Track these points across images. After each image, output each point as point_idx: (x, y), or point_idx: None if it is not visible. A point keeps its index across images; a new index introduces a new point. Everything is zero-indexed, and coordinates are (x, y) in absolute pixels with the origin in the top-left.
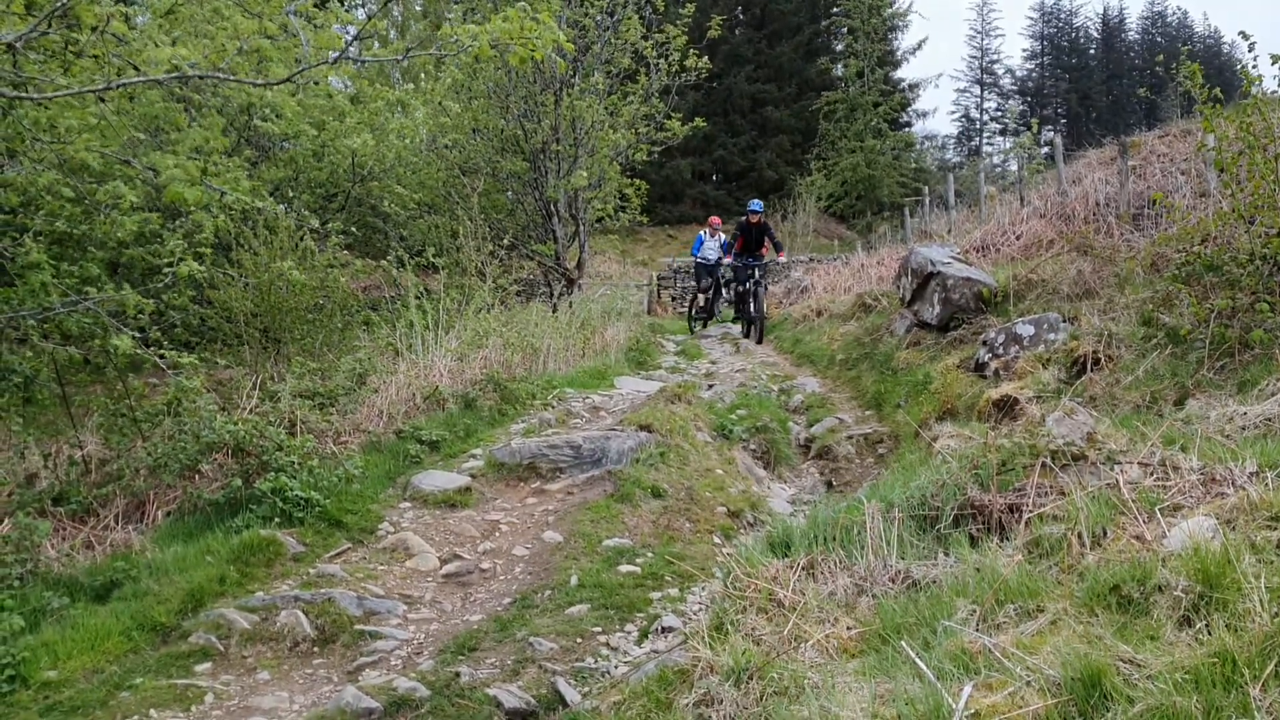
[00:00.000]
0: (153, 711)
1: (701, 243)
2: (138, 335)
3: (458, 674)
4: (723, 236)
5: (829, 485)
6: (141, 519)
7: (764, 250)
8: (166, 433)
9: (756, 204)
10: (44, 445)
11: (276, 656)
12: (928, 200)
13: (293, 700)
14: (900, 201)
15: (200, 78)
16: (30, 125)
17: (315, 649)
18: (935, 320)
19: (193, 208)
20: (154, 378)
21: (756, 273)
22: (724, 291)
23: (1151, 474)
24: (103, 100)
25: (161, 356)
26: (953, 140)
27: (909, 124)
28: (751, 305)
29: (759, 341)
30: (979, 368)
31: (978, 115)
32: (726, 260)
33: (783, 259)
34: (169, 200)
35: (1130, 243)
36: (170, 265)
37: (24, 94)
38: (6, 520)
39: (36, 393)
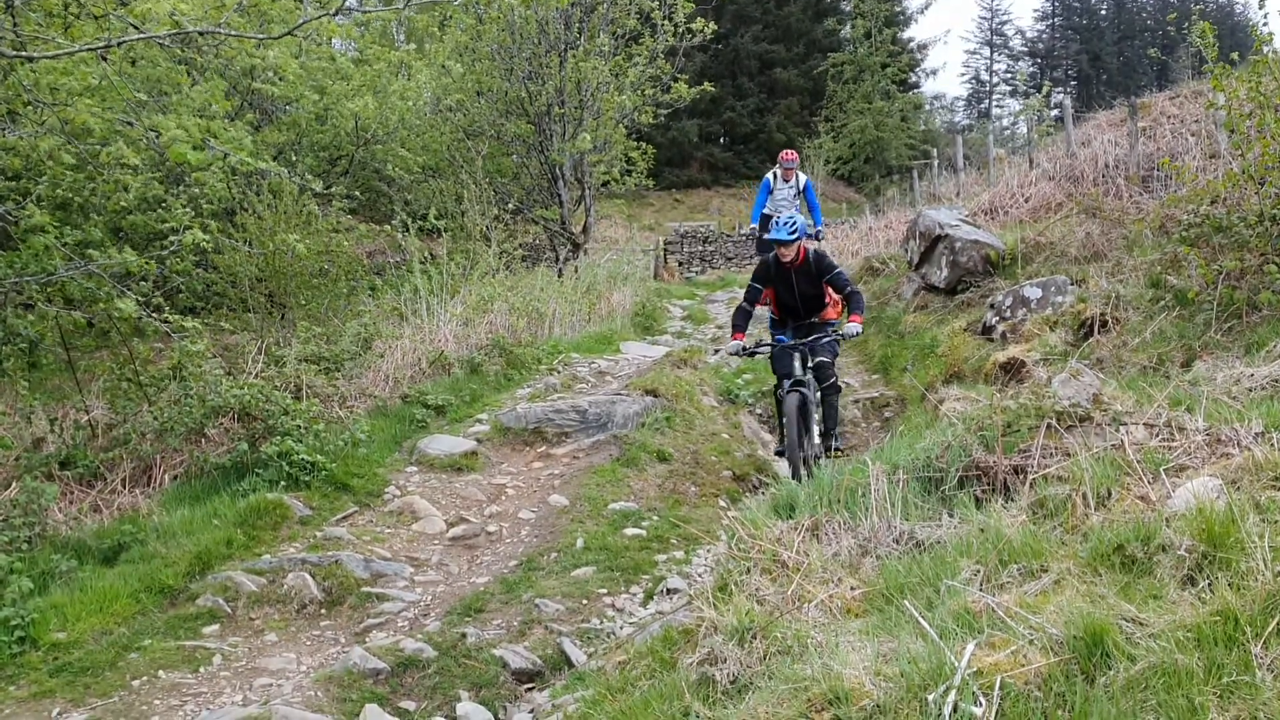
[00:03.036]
0: (161, 672)
1: (768, 190)
2: (141, 300)
3: (464, 635)
4: (803, 179)
5: (836, 449)
6: (148, 483)
7: (828, 308)
8: (172, 397)
9: (785, 226)
10: (50, 410)
11: (284, 618)
12: (936, 163)
13: (300, 661)
14: (908, 164)
15: (201, 34)
16: (32, 87)
17: (323, 611)
18: (943, 283)
19: (195, 169)
20: (159, 343)
21: (809, 359)
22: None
23: (1157, 435)
24: (105, 59)
25: (165, 321)
26: (962, 103)
27: (917, 84)
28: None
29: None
30: (986, 331)
31: (987, 77)
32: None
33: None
34: (173, 160)
35: (1139, 205)
36: (175, 233)
37: (26, 54)
38: (14, 484)
39: (42, 357)
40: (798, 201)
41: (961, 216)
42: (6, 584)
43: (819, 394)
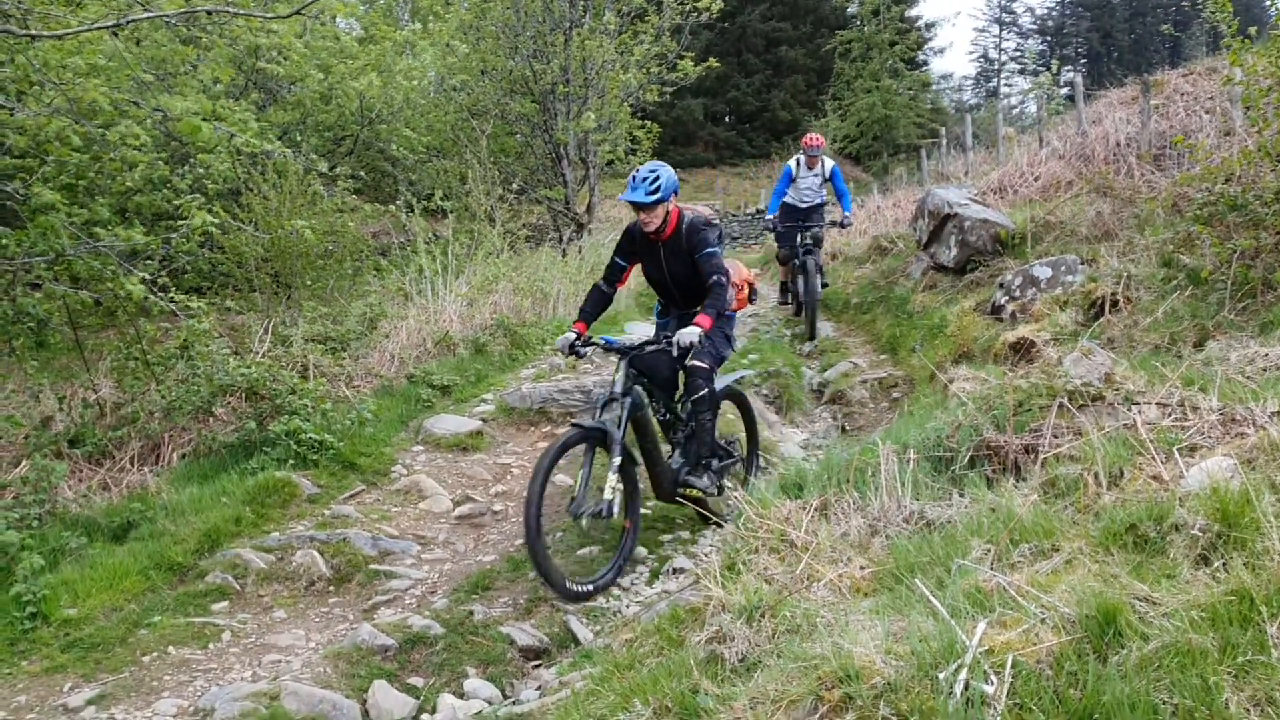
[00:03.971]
0: (171, 648)
1: (789, 179)
2: (147, 280)
3: (471, 612)
4: (830, 165)
5: (842, 430)
6: (157, 461)
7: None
8: (179, 376)
9: (644, 184)
10: (58, 388)
11: (293, 595)
12: (945, 142)
13: (309, 638)
14: (917, 143)
15: (209, 13)
16: (40, 67)
17: (331, 588)
18: (952, 263)
19: (201, 150)
20: (166, 322)
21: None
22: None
23: (1170, 414)
24: (115, 36)
25: (172, 301)
26: (970, 81)
27: (925, 63)
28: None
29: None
30: (995, 310)
31: (996, 55)
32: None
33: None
34: (183, 132)
35: (1151, 183)
36: (184, 216)
37: (34, 33)
38: (24, 462)
39: (49, 336)
40: (824, 191)
41: (970, 195)
42: (18, 560)
43: (686, 412)
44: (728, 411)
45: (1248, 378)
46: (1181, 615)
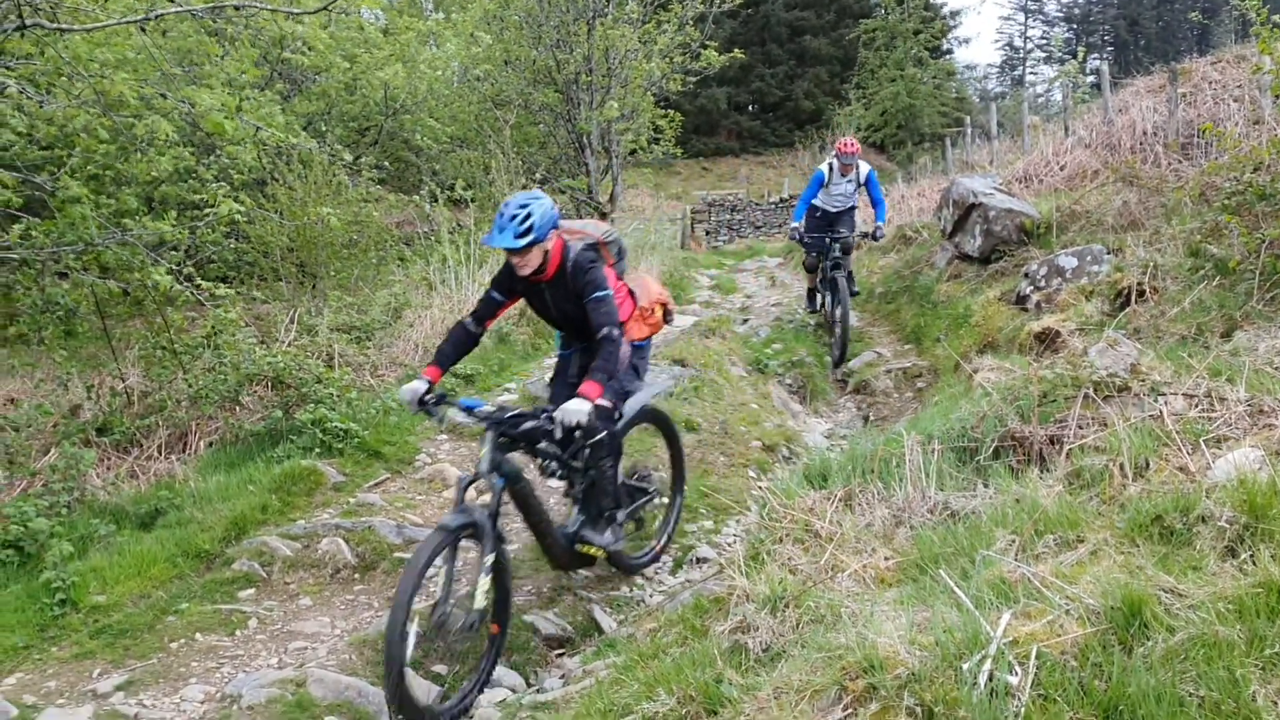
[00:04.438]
0: (198, 635)
1: (820, 184)
2: (173, 269)
3: None
4: (865, 169)
5: (866, 420)
6: (184, 449)
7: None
8: (206, 365)
9: (512, 224)
10: (86, 377)
11: (318, 583)
12: (969, 131)
13: (334, 625)
14: (941, 132)
15: (236, 7)
16: (70, 59)
17: (356, 576)
18: (977, 252)
19: (227, 142)
20: (192, 311)
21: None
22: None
23: (1197, 405)
24: (143, 30)
25: (198, 289)
26: (995, 70)
27: (950, 52)
28: (829, 302)
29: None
30: (1020, 300)
31: (1022, 44)
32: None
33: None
34: (209, 129)
35: (1178, 172)
36: (210, 206)
37: (66, 26)
38: (53, 450)
39: (78, 326)
40: (857, 197)
41: (995, 185)
42: (48, 547)
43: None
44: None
45: (1276, 369)
46: (1208, 607)
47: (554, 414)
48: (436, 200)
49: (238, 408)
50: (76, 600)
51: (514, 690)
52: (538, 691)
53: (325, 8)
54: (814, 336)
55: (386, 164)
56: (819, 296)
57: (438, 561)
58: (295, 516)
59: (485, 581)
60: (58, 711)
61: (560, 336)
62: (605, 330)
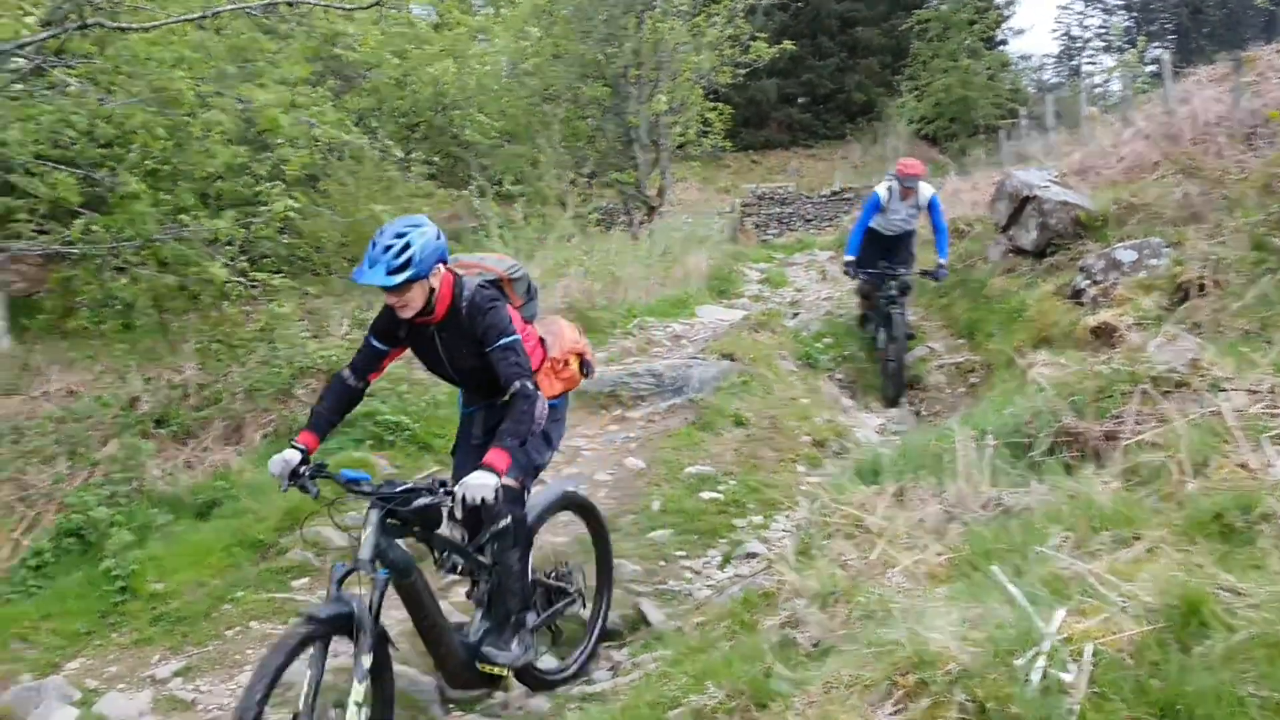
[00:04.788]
0: (254, 623)
1: (876, 208)
2: (227, 264)
3: None
4: (927, 193)
5: (918, 415)
6: (239, 441)
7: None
8: (260, 358)
9: (385, 256)
10: (144, 370)
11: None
12: (1024, 122)
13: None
14: (995, 124)
15: (290, 3)
16: (130, 58)
17: None
18: (1031, 246)
19: (280, 139)
20: (247, 306)
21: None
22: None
23: (1259, 401)
24: (202, 28)
25: (254, 285)
26: (1052, 60)
27: (1004, 42)
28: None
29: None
30: (1076, 295)
31: (1080, 33)
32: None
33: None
34: (265, 124)
35: (1242, 164)
36: (264, 202)
37: (126, 25)
38: (113, 441)
39: (136, 319)
40: (916, 221)
41: (1051, 177)
42: (108, 536)
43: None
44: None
45: None
46: (1270, 607)
47: (454, 488)
48: (485, 195)
49: (291, 400)
50: (136, 588)
51: None
52: (586, 683)
53: (376, 3)
54: (863, 330)
55: (436, 159)
56: (871, 324)
57: (301, 661)
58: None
59: (359, 690)
60: (119, 696)
61: (462, 394)
62: (517, 384)
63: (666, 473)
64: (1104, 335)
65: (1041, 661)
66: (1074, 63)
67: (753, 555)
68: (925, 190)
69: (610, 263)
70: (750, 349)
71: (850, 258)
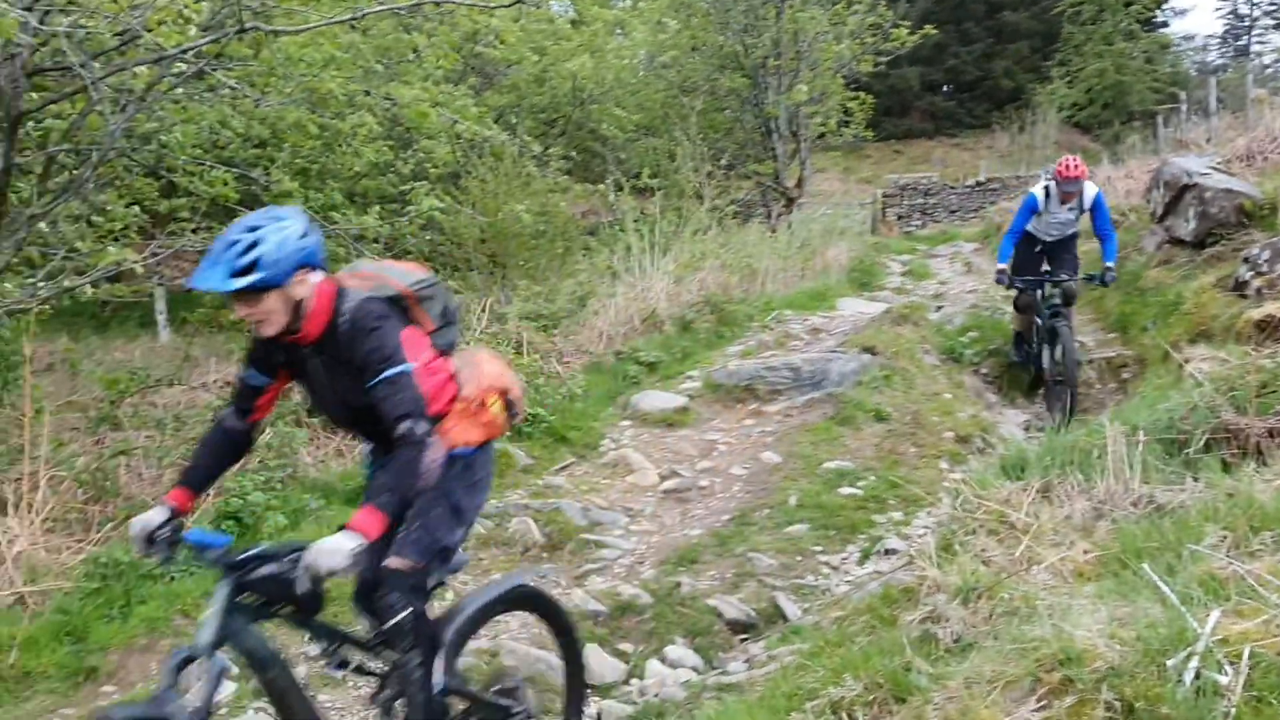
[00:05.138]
0: None
1: (1032, 211)
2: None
3: (678, 584)
4: (1091, 194)
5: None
6: None
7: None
8: None
9: (227, 255)
10: None
11: (509, 559)
12: (1185, 107)
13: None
14: (1152, 109)
15: (436, 3)
16: (284, 60)
17: (544, 554)
18: (1190, 236)
19: (423, 136)
20: None
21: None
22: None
23: None
24: (352, 28)
25: None
26: (1216, 41)
27: (1165, 24)
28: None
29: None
30: (1239, 286)
31: (1247, 10)
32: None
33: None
34: (412, 120)
35: None
36: (408, 200)
37: (280, 28)
38: (268, 429)
39: None
40: (1078, 225)
41: (1212, 164)
42: (264, 519)
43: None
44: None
45: None
46: None
47: (303, 556)
48: (621, 189)
49: None
50: None
51: (696, 671)
52: (721, 674)
53: (517, 1)
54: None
55: (573, 154)
56: (1031, 346)
57: None
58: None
59: None
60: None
61: (365, 444)
62: (403, 427)
63: (804, 467)
64: (1269, 329)
65: (1195, 662)
66: (1240, 42)
67: (892, 552)
68: (1089, 190)
69: (747, 255)
70: (892, 342)
71: (1003, 265)
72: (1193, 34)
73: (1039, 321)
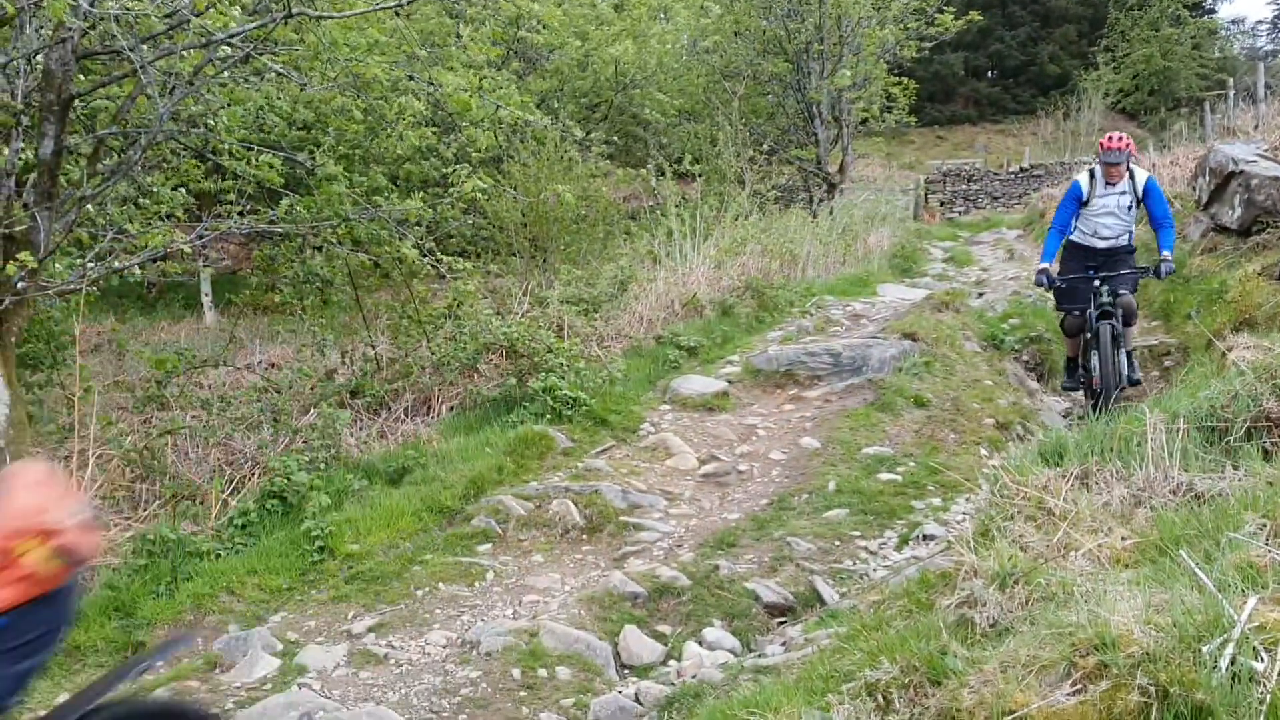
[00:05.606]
0: (441, 585)
1: (1078, 200)
2: (418, 244)
3: (717, 567)
4: (1143, 177)
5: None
6: (428, 413)
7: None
8: (447, 334)
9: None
10: (341, 344)
11: (549, 541)
12: (1232, 93)
13: (564, 582)
14: (1199, 95)
15: None
16: (330, 45)
17: (584, 536)
18: (1235, 224)
19: (467, 122)
20: (434, 284)
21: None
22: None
23: None
24: (397, 14)
25: (439, 262)
26: (1266, 26)
27: (1213, 10)
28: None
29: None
30: None
31: None
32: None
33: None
34: (454, 107)
35: None
36: (450, 183)
37: (325, 13)
38: (312, 410)
39: (332, 296)
40: (1132, 215)
41: (1259, 151)
42: (308, 499)
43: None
44: None
45: None
46: None
47: None
48: (663, 174)
49: (476, 375)
50: (333, 548)
51: (733, 653)
52: (759, 656)
53: None
54: (1052, 311)
55: (615, 139)
56: (1083, 371)
57: None
58: (528, 478)
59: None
60: (317, 648)
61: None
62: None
63: (843, 453)
64: None
65: (1230, 649)
66: None
67: (931, 537)
68: (1139, 174)
69: (788, 241)
70: (933, 329)
71: (1045, 265)
72: (1241, 18)
73: (1087, 327)
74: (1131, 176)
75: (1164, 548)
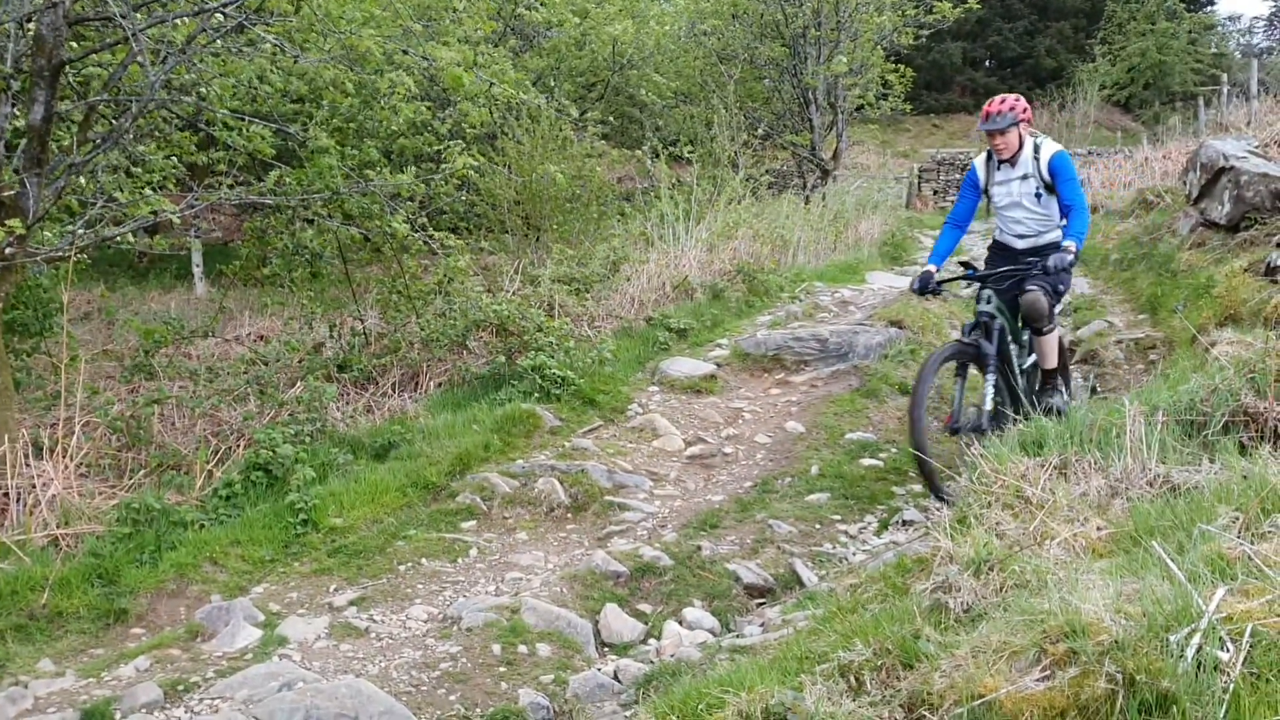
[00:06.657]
0: (424, 560)
1: (976, 189)
2: (409, 219)
3: (699, 547)
4: (1048, 153)
5: (1093, 390)
6: (415, 388)
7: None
8: (437, 310)
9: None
10: (329, 318)
11: (533, 519)
12: (1226, 89)
13: (547, 559)
14: (1194, 91)
15: None
16: (324, 17)
17: (568, 515)
18: (1224, 219)
19: (461, 98)
20: (425, 259)
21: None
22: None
23: None
24: None
25: (430, 239)
26: (1262, 23)
27: (1210, 4)
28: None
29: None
30: (1271, 271)
31: None
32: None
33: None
34: (447, 83)
35: None
36: (444, 159)
37: None
38: (299, 384)
39: (322, 269)
40: (1048, 205)
41: (1250, 147)
42: (293, 472)
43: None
44: None
45: None
46: None
47: None
48: (658, 156)
49: (465, 351)
50: (316, 521)
51: (712, 633)
52: (736, 636)
53: None
54: None
55: (611, 119)
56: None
57: None
58: (514, 456)
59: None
60: (298, 620)
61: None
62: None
63: (827, 438)
64: None
65: (1197, 639)
66: None
67: (910, 523)
68: (1045, 148)
69: (780, 226)
70: (919, 317)
71: (932, 265)
72: (1238, 14)
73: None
74: (1036, 153)
75: (1138, 538)
